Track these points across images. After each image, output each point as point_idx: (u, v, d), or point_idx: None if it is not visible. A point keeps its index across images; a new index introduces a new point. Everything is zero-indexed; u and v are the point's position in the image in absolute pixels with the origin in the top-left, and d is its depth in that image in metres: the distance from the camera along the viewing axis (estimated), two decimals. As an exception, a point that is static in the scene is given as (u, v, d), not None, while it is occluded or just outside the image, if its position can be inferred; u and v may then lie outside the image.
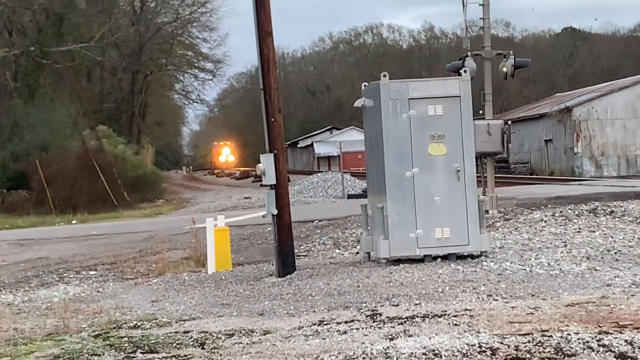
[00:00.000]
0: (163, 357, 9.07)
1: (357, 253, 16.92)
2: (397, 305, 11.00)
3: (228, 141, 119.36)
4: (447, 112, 14.34)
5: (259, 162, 14.67)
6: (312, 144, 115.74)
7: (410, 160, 14.31)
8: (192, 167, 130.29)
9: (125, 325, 11.26)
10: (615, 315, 9.44)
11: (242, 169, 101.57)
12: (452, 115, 14.37)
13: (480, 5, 22.00)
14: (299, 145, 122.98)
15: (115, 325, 11.26)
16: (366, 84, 15.31)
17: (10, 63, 55.94)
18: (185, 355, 9.04)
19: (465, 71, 14.81)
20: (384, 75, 14.51)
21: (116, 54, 65.75)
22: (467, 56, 20.79)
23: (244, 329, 10.21)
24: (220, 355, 8.94)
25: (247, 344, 9.39)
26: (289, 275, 14.32)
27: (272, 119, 14.53)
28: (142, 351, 9.44)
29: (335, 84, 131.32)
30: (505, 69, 21.91)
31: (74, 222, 36.92)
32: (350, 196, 40.32)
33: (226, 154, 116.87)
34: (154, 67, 70.41)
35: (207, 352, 9.15)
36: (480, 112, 22.89)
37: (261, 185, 15.21)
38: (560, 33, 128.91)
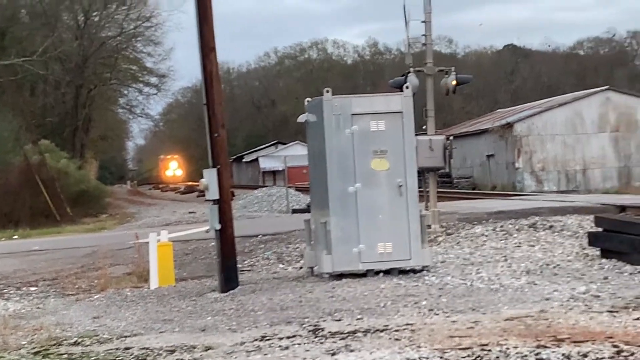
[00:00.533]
0: (103, 375, 8.97)
1: (301, 268, 16.86)
2: (340, 320, 10.96)
3: (175, 155, 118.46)
4: (390, 128, 14.40)
5: (202, 180, 14.63)
6: (257, 159, 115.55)
7: (353, 175, 14.34)
8: (137, 181, 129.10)
9: (65, 342, 11.08)
10: (553, 329, 9.50)
11: (187, 183, 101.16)
12: (394, 131, 14.42)
13: (422, 22, 22.13)
14: (244, 160, 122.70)
15: (55, 342, 11.07)
16: (309, 99, 15.31)
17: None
18: (126, 372, 8.94)
19: (407, 87, 14.89)
20: (327, 91, 14.53)
21: (59, 68, 65.05)
22: (409, 72, 20.86)
23: (185, 345, 10.10)
24: (161, 372, 8.86)
25: (189, 360, 9.32)
26: (232, 291, 14.23)
27: (216, 134, 14.45)
28: (82, 371, 9.34)
29: (280, 99, 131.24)
30: (447, 86, 22.02)
31: (15, 237, 36.31)
32: (294, 211, 40.26)
33: (173, 168, 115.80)
34: (97, 81, 69.74)
35: (149, 372, 9.08)
36: (424, 127, 22.99)
37: (205, 200, 15.12)
38: (502, 50, 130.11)
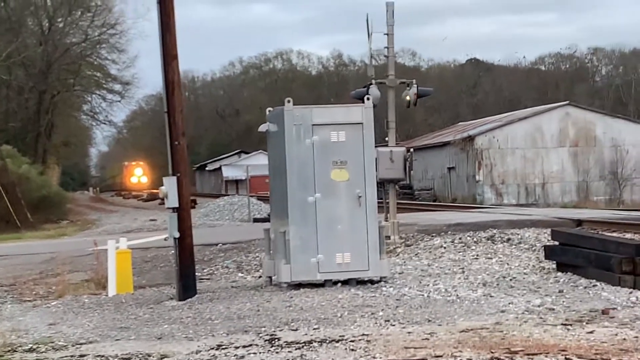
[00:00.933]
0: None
1: (260, 277, 16.77)
2: (296, 329, 10.92)
3: (140, 161, 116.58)
4: (350, 139, 14.39)
5: (162, 188, 14.54)
6: (220, 168, 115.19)
7: (313, 185, 14.31)
8: (100, 188, 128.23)
9: (20, 348, 10.91)
10: (507, 341, 9.50)
11: (151, 190, 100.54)
12: (354, 142, 14.42)
13: (385, 34, 22.16)
14: (207, 169, 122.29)
15: (10, 349, 10.89)
16: (271, 109, 15.29)
17: None
18: (80, 380, 8.84)
19: (367, 99, 14.91)
20: (288, 101, 14.51)
21: (23, 73, 64.51)
22: (371, 84, 20.86)
23: (141, 353, 9.99)
24: (115, 379, 8.77)
25: (143, 369, 9.24)
26: (189, 299, 14.14)
27: (176, 142, 14.36)
28: (35, 375, 9.22)
29: (244, 108, 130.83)
30: (408, 98, 22.05)
31: (-25, 243, 35.93)
32: (256, 220, 40.13)
33: (138, 175, 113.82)
34: (61, 88, 69.13)
35: (102, 378, 8.98)
36: (386, 139, 23.02)
37: (166, 208, 14.99)
38: (464, 64, 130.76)
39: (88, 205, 76.43)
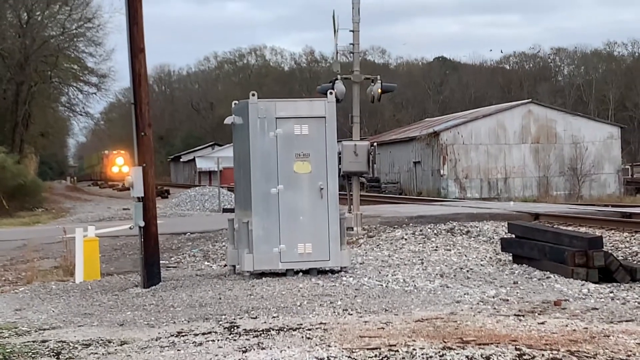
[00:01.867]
0: (16, 370, 8.71)
1: (225, 266, 16.67)
2: (256, 317, 10.83)
3: (122, 150, 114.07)
4: (313, 132, 14.31)
5: (128, 178, 14.41)
6: (194, 159, 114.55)
7: (276, 177, 14.22)
8: (78, 177, 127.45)
9: (-16, 334, 10.77)
10: (460, 331, 9.45)
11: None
12: (317, 135, 14.34)
13: (350, 31, 22.06)
14: (182, 160, 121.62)
15: (-27, 334, 10.76)
16: (236, 102, 15.12)
17: None
18: (37, 367, 8.70)
19: (330, 93, 14.78)
20: (253, 94, 14.43)
21: (1, 64, 63.91)
22: (336, 79, 20.76)
23: (102, 339, 9.87)
24: (73, 366, 8.63)
25: (103, 354, 9.07)
26: (153, 287, 14.01)
27: (142, 133, 14.21)
28: (-4, 362, 9.05)
29: (218, 102, 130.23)
30: (372, 93, 21.98)
31: (-49, 229, 35.55)
32: (225, 210, 39.98)
33: (120, 164, 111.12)
34: (39, 79, 68.44)
35: (61, 364, 8.84)
36: (356, 133, 22.94)
37: (132, 197, 14.87)
38: (432, 62, 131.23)
39: (64, 194, 75.95)
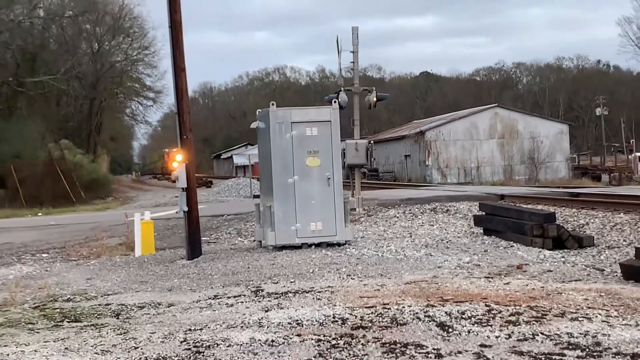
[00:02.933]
0: (84, 325, 8.53)
1: (254, 241, 16.49)
2: (277, 282, 10.67)
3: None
4: (321, 133, 14.12)
5: (174, 173, 14.25)
6: (231, 156, 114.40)
7: (292, 169, 14.05)
8: (141, 172, 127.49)
9: (60, 298, 10.65)
10: (441, 291, 9.28)
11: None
12: (324, 136, 14.14)
13: (351, 52, 21.83)
14: (222, 157, 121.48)
15: (52, 299, 10.64)
16: (260, 110, 14.93)
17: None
18: (102, 324, 8.53)
19: (334, 102, 14.60)
20: (272, 104, 14.26)
21: (78, 84, 63.82)
22: (340, 91, 20.54)
23: (153, 302, 9.74)
24: (130, 323, 8.46)
25: (153, 314, 8.95)
26: (196, 259, 13.87)
27: (184, 137, 14.05)
28: (68, 320, 8.91)
29: (249, 111, 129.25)
30: (369, 101, 21.78)
31: (40, 214, 35.47)
32: (255, 196, 39.43)
33: (179, 160, 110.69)
34: (107, 96, 68.49)
35: (120, 321, 8.68)
36: (357, 133, 22.74)
37: (177, 188, 14.69)
38: (418, 75, 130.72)
39: (129, 186, 75.88)
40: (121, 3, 66.39)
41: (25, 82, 54.51)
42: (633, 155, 68.32)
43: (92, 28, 64.96)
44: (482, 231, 16.08)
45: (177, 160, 14.03)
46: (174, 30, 13.78)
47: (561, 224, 14.69)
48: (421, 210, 20.15)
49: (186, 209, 14.03)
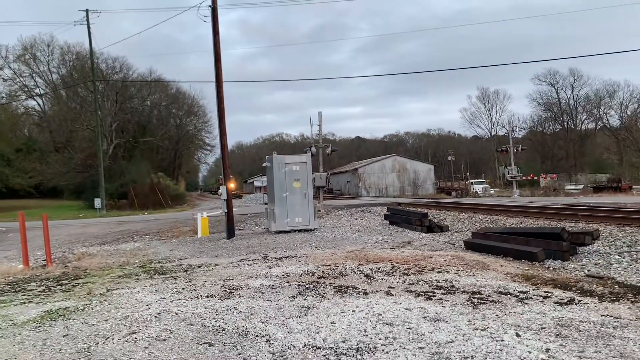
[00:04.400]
0: (167, 277, 8.20)
1: (264, 228, 16.19)
2: (276, 252, 10.37)
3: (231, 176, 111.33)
4: (301, 169, 13.88)
5: (219, 190, 13.95)
6: (253, 181, 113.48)
7: (285, 189, 13.76)
8: (203, 190, 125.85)
9: (154, 261, 10.24)
10: (366, 256, 9.08)
11: (233, 192, 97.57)
12: (303, 170, 13.90)
13: (317, 125, 21.72)
14: (247, 182, 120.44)
15: (150, 261, 10.24)
16: (267, 156, 14.72)
17: (121, 146, 53.28)
18: (177, 276, 8.20)
19: (309, 152, 14.46)
20: (275, 153, 14.01)
21: (168, 142, 63.02)
22: (312, 146, 20.41)
23: (206, 263, 9.40)
24: (193, 276, 8.15)
25: (206, 270, 8.62)
26: (231, 238, 13.50)
27: (225, 171, 13.75)
28: (158, 274, 8.55)
29: (263, 158, 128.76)
30: (328, 151, 21.61)
31: (146, 214, 34.66)
32: (265, 203, 38.68)
33: (223, 183, 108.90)
34: (184, 148, 67.61)
35: (187, 274, 8.34)
36: (321, 169, 22.56)
37: (223, 199, 14.27)
38: (354, 138, 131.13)
39: (197, 198, 74.83)
40: (192, 97, 66.00)
41: (139, 141, 53.75)
42: (468, 181, 68.96)
43: (177, 111, 64.25)
44: (389, 223, 15.95)
45: (222, 184, 13.69)
46: (220, 112, 13.52)
47: (431, 219, 14.60)
48: (356, 211, 19.98)
49: (226, 210, 13.72)
